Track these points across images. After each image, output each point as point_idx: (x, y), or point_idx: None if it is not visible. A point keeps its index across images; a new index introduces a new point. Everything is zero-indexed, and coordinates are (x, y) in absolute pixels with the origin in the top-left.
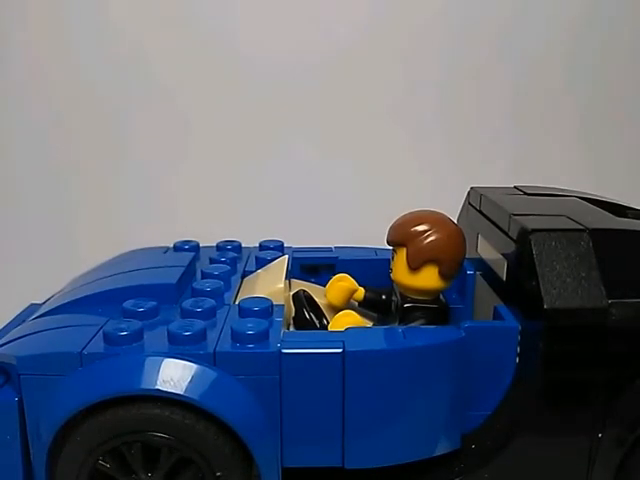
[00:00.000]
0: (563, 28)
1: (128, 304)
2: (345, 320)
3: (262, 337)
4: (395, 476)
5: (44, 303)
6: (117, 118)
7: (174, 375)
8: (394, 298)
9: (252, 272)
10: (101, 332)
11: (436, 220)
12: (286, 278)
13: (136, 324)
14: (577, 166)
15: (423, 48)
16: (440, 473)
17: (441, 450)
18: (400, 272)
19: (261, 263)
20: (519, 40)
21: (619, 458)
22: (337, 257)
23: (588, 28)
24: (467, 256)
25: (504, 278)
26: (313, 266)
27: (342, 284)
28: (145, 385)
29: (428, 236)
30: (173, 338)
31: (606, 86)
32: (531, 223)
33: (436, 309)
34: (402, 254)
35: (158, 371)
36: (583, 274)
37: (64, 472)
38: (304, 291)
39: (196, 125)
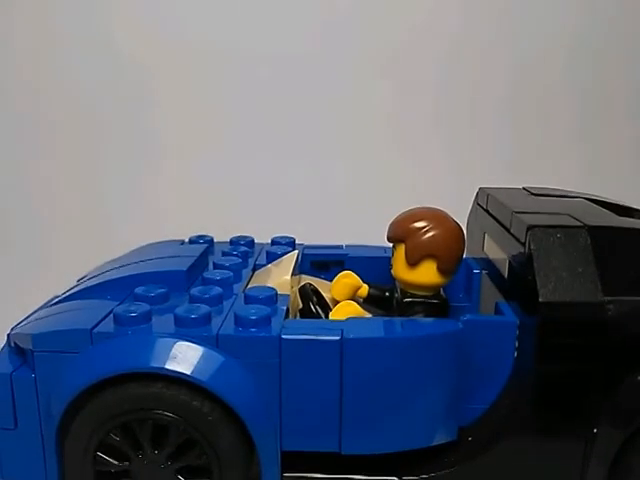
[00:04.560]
0: (562, 27)
1: (139, 290)
2: (346, 309)
3: (264, 322)
4: (391, 464)
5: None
6: (141, 118)
7: (178, 355)
8: (395, 294)
9: (263, 266)
10: (112, 314)
11: (434, 216)
12: (295, 272)
13: (145, 307)
14: (581, 167)
15: (424, 48)
16: (436, 463)
17: (437, 440)
18: (399, 268)
19: (272, 257)
20: (518, 39)
21: (614, 452)
22: (347, 254)
23: (587, 27)
24: (474, 256)
25: (506, 275)
26: (323, 262)
27: (346, 281)
28: (151, 363)
29: (426, 232)
30: (179, 321)
31: (606, 84)
32: (531, 220)
33: (436, 304)
34: (401, 250)
35: (163, 351)
36: (580, 270)
37: (72, 446)
38: (311, 284)
39: (212, 125)
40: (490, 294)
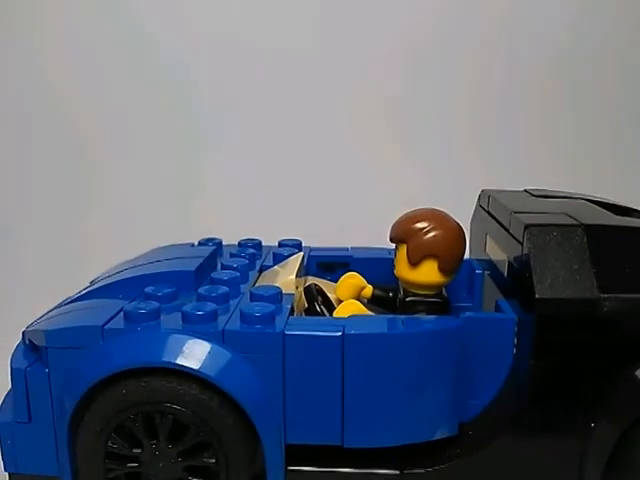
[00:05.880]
0: (563, 27)
1: (149, 289)
2: (349, 308)
3: (269, 319)
4: (393, 457)
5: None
6: (146, 121)
7: (185, 350)
8: (399, 294)
9: (269, 267)
10: (122, 311)
11: (435, 217)
12: (300, 273)
13: (154, 304)
14: (577, 167)
15: (424, 48)
16: (437, 457)
17: (438, 435)
18: (402, 267)
19: (278, 259)
20: (519, 39)
21: (612, 447)
22: (352, 256)
23: (587, 28)
24: (477, 257)
25: (506, 274)
26: (329, 264)
27: (351, 281)
28: (159, 358)
29: (427, 232)
30: (186, 317)
31: (606, 85)
32: (528, 219)
33: (437, 303)
34: (403, 250)
35: (171, 346)
36: (576, 267)
37: (84, 439)
38: (316, 284)
39: (219, 128)
40: (492, 294)
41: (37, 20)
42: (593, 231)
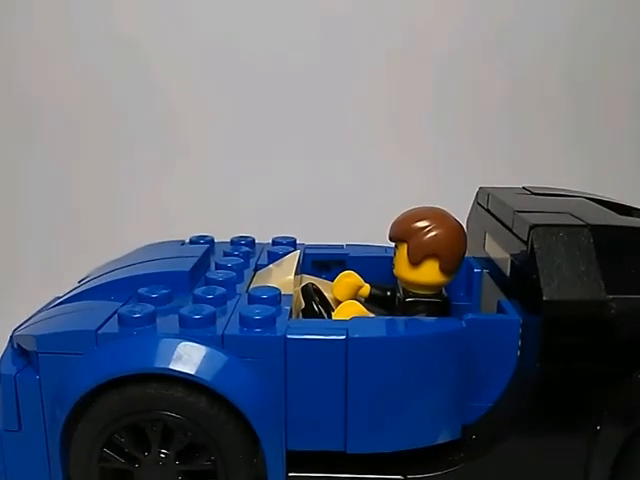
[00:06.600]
0: (562, 27)
1: (143, 290)
2: (349, 309)
3: (269, 322)
4: (396, 463)
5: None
6: (141, 120)
7: (184, 356)
8: (398, 294)
9: (264, 266)
10: (116, 314)
11: (436, 216)
12: (297, 272)
13: (149, 308)
14: (576, 166)
15: (424, 47)
16: (440, 461)
17: (442, 439)
18: (402, 267)
19: (273, 257)
20: (518, 39)
21: (617, 450)
22: (347, 254)
23: (587, 28)
24: (475, 255)
25: (508, 274)
26: (324, 262)
27: (348, 280)
28: (156, 364)
29: (428, 232)
30: (184, 321)
31: (605, 85)
32: (533, 219)
33: (438, 303)
34: (403, 250)
35: (169, 351)
36: (583, 268)
37: (77, 448)
38: (313, 284)
39: (212, 125)
40: (491, 293)
41: None
42: (599, 231)
